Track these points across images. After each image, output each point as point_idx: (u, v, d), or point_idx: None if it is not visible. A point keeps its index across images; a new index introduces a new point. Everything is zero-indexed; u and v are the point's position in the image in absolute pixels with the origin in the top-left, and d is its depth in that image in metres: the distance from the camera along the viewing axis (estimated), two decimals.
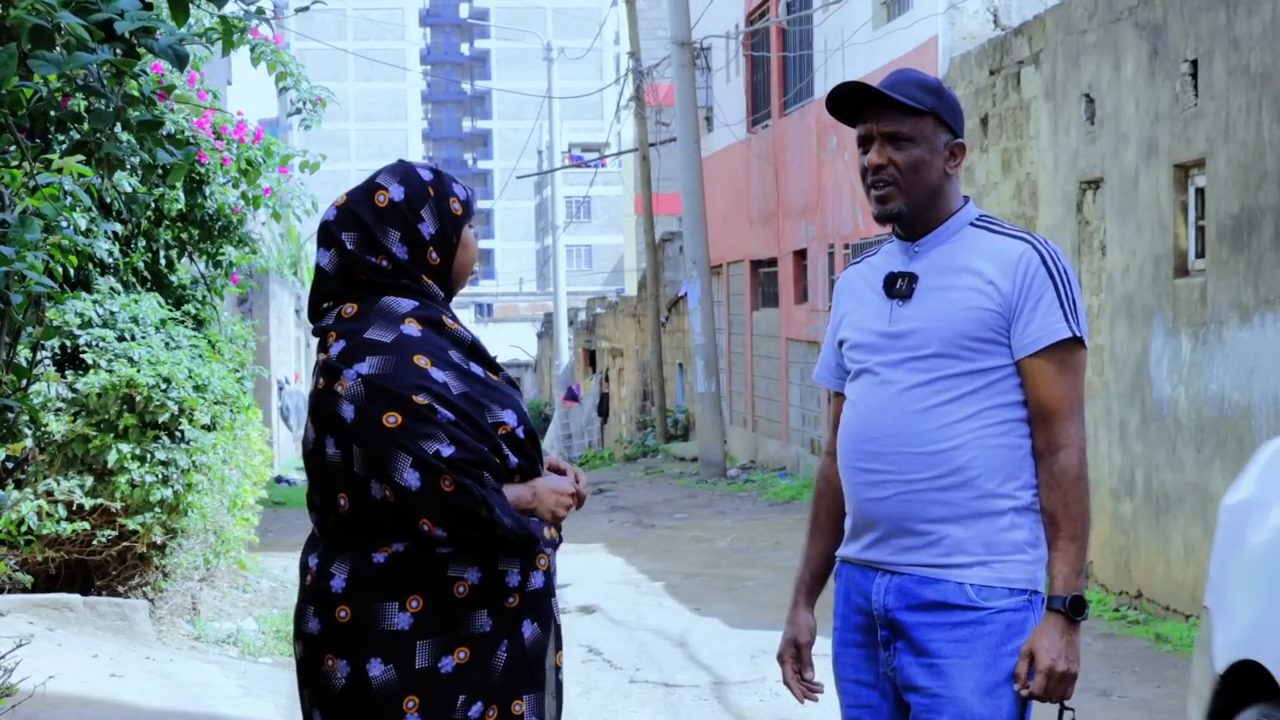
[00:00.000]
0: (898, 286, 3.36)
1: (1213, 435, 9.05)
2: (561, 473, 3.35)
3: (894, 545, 3.31)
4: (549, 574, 3.26)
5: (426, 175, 3.24)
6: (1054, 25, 11.36)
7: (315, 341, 3.28)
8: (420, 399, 3.08)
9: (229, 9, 4.58)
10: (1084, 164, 10.86)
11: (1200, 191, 9.40)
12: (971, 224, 3.37)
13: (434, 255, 3.21)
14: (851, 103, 3.37)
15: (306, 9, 5.17)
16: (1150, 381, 9.82)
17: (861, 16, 17.21)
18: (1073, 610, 3.22)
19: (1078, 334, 3.25)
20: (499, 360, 3.37)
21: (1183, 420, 9.41)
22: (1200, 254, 9.42)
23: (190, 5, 3.75)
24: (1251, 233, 8.63)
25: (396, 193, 3.20)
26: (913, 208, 3.34)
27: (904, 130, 3.30)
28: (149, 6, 3.67)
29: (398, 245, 3.19)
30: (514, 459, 3.20)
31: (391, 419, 3.06)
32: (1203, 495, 9.14)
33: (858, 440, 3.36)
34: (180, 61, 3.64)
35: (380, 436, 3.06)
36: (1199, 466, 9.22)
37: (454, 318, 3.26)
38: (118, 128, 3.93)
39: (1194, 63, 9.24)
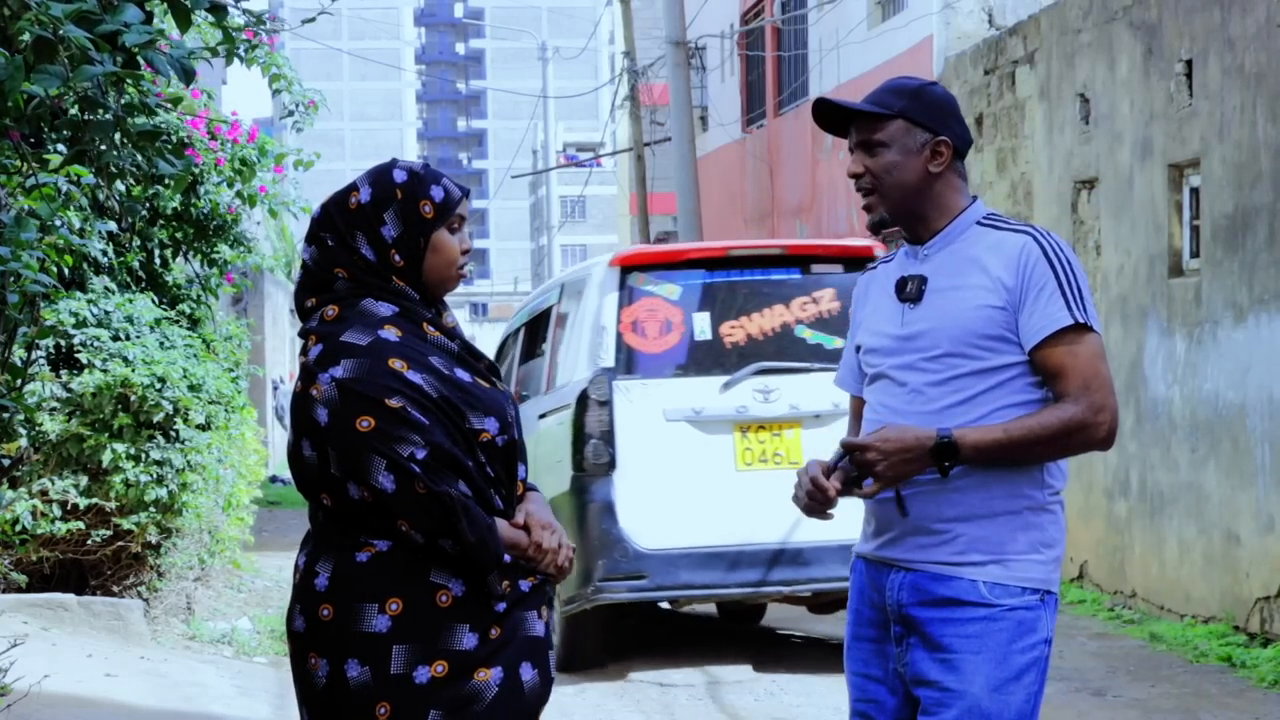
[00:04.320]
0: (908, 290, 3.39)
1: (1207, 435, 9.06)
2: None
3: (910, 544, 3.34)
4: (549, 624, 3.24)
5: (400, 177, 3.22)
6: (1049, 25, 11.37)
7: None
8: (394, 402, 3.07)
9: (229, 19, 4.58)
10: (1079, 164, 10.87)
11: (1195, 191, 9.41)
12: (979, 223, 3.40)
13: (397, 258, 3.21)
14: (836, 117, 3.47)
15: (313, 20, 5.15)
16: (1145, 381, 9.83)
17: (856, 16, 17.22)
18: (939, 453, 3.23)
19: (1081, 320, 3.27)
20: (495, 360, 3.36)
21: (1177, 420, 9.41)
22: (1195, 254, 9.42)
23: (191, 15, 3.74)
24: (1246, 232, 8.64)
25: (365, 194, 3.21)
26: (894, 211, 3.40)
27: (875, 137, 3.38)
28: (150, 17, 3.66)
29: (366, 246, 3.20)
30: (491, 469, 3.19)
31: (365, 422, 3.06)
32: (1197, 495, 9.15)
33: None
34: (187, 76, 3.64)
35: (354, 440, 3.07)
36: (1193, 466, 9.23)
37: (437, 323, 3.24)
38: (117, 136, 3.92)
39: (1189, 62, 9.25)
